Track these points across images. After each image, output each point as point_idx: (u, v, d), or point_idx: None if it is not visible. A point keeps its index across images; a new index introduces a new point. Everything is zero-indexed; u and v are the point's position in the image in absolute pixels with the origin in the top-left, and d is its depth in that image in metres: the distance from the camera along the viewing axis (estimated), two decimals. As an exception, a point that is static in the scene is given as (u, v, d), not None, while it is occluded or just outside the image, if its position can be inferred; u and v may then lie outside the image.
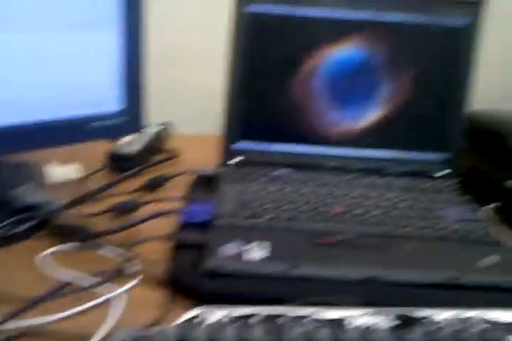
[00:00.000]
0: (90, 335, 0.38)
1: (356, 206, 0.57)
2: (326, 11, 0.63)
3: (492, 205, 0.62)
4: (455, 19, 0.64)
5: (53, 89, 0.53)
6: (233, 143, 0.65)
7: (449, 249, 0.52)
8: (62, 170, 0.65)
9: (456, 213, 0.58)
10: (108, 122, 0.56)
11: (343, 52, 0.64)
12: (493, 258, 0.50)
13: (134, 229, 0.52)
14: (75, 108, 0.54)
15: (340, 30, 0.63)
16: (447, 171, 0.66)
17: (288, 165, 0.65)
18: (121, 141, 0.70)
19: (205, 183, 0.64)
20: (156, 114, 0.88)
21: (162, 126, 0.80)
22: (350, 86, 0.65)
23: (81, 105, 0.54)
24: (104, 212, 0.56)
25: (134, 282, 0.45)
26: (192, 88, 0.90)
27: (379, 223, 0.55)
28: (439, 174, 0.66)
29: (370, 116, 0.65)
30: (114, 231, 0.51)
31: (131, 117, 0.57)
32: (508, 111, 0.70)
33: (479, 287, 0.46)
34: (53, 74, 0.52)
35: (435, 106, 0.65)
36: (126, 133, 0.64)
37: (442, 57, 0.65)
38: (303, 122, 0.65)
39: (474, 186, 0.68)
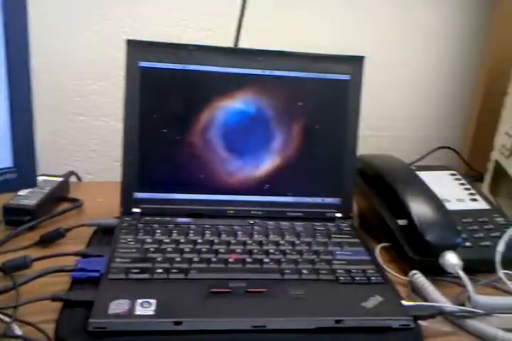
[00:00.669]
0: None
1: (254, 252, 0.59)
2: (215, 67, 0.66)
3: (383, 245, 0.66)
4: (339, 73, 0.68)
5: None
6: (133, 193, 0.66)
7: (339, 291, 0.54)
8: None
9: (348, 255, 0.61)
10: (-1, 178, 0.56)
11: (236, 104, 0.67)
12: (376, 299, 0.52)
13: (23, 287, 0.51)
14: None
15: (231, 83, 0.66)
16: (341, 214, 0.69)
17: (189, 214, 0.66)
18: (19, 193, 0.69)
19: (105, 235, 0.64)
20: (60, 163, 0.89)
21: (66, 176, 0.79)
22: (247, 136, 0.67)
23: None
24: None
25: (17, 346, 0.44)
26: (98, 136, 0.91)
27: (275, 269, 0.56)
28: (334, 217, 0.69)
29: (268, 164, 0.68)
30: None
31: (22, 172, 0.56)
32: (388, 156, 0.75)
33: (363, 328, 0.49)
34: None
35: (327, 154, 0.69)
36: (19, 188, 0.64)
37: (330, 108, 0.69)
38: (202, 172, 0.67)
39: (372, 227, 0.71)
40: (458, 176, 0.79)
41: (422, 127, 1.03)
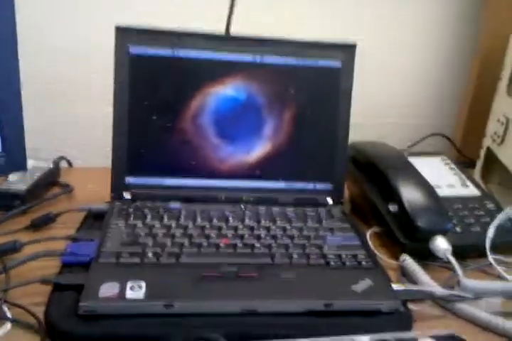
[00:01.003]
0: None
1: (246, 237, 0.59)
2: (206, 53, 0.65)
3: (374, 230, 0.66)
4: (330, 60, 0.68)
5: None
6: (124, 177, 0.65)
7: (329, 275, 0.54)
8: None
9: (339, 240, 0.61)
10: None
11: (227, 90, 0.66)
12: (366, 283, 0.52)
13: (13, 271, 0.51)
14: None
15: (222, 70, 0.66)
16: (332, 199, 0.69)
17: (180, 199, 0.66)
18: (9, 178, 0.69)
19: (96, 220, 0.63)
20: (51, 148, 0.88)
21: (56, 161, 0.79)
22: (238, 122, 0.67)
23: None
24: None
25: (7, 328, 0.44)
26: (88, 121, 0.90)
27: (266, 253, 0.56)
28: (326, 202, 0.69)
29: (259, 150, 0.68)
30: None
31: (11, 157, 0.56)
32: (381, 144, 0.75)
33: (352, 312, 0.49)
34: None
35: (318, 140, 0.69)
36: (8, 172, 0.63)
37: (321, 95, 0.68)
38: (194, 158, 0.66)
39: (363, 212, 0.72)
40: (449, 162, 0.79)
41: (415, 115, 1.03)
